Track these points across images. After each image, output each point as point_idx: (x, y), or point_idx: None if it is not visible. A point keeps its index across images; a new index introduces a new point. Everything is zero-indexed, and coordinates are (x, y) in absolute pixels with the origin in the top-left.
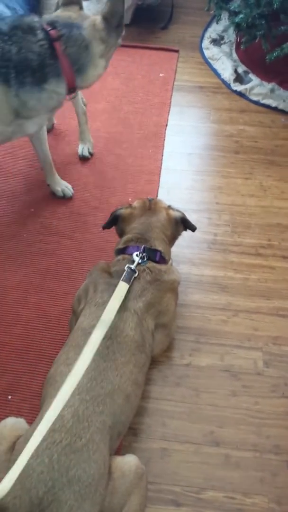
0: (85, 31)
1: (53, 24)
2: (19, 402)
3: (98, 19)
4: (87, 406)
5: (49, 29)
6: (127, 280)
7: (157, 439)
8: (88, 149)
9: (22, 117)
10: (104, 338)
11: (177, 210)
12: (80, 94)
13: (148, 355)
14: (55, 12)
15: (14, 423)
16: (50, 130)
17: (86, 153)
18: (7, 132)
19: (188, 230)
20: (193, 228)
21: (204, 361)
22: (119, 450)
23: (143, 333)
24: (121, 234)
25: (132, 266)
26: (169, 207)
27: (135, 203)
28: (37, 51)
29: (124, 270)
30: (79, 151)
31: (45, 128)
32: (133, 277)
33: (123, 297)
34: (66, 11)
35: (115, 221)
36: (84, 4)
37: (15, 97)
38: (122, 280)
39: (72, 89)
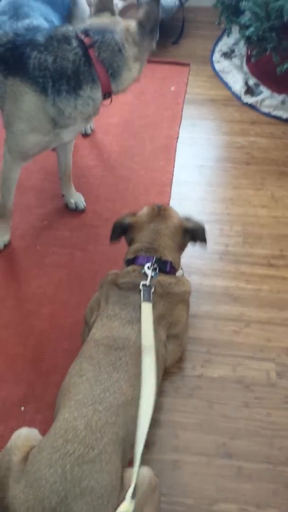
0: (118, 35)
1: (86, 31)
2: (32, 413)
3: (132, 24)
4: (100, 417)
5: (82, 37)
6: (148, 299)
7: (169, 451)
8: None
9: (60, 127)
10: (116, 349)
11: (195, 221)
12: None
13: (161, 366)
14: (88, 20)
15: (27, 434)
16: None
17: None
18: (44, 142)
19: (198, 243)
20: (203, 240)
21: (216, 372)
22: (132, 461)
23: (156, 344)
24: (130, 242)
25: (147, 282)
26: (186, 217)
27: (143, 210)
28: (72, 59)
29: (135, 283)
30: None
31: (73, 140)
32: (151, 293)
33: (151, 316)
34: (99, 18)
35: (124, 231)
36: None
37: (53, 106)
38: (143, 300)
39: (108, 94)
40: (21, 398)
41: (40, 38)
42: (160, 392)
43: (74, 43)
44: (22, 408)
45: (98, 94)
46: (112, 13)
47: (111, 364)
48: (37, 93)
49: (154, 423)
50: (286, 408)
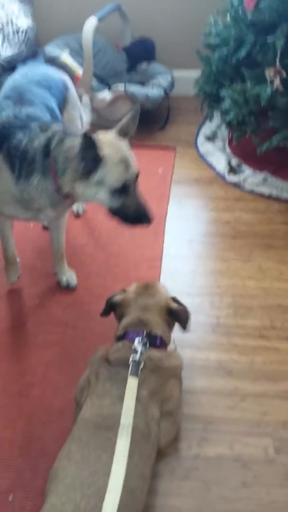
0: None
1: (61, 132)
2: (21, 500)
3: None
4: (88, 501)
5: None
6: (135, 374)
7: None
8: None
9: (28, 208)
10: (106, 429)
11: (180, 303)
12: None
13: (154, 446)
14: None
15: None
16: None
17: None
18: (21, 216)
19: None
20: (184, 325)
21: (213, 451)
22: None
23: (148, 422)
24: (120, 318)
25: (137, 357)
26: (173, 298)
27: (132, 287)
28: (36, 147)
29: (125, 358)
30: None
31: (64, 219)
32: (140, 369)
33: (135, 392)
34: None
35: (113, 308)
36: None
37: (16, 185)
38: (130, 374)
39: (60, 189)
40: (9, 485)
41: (33, 125)
42: (154, 475)
43: (45, 135)
44: (10, 497)
45: (48, 185)
46: (125, 136)
47: (100, 445)
48: (8, 171)
49: (149, 509)
50: (286, 486)
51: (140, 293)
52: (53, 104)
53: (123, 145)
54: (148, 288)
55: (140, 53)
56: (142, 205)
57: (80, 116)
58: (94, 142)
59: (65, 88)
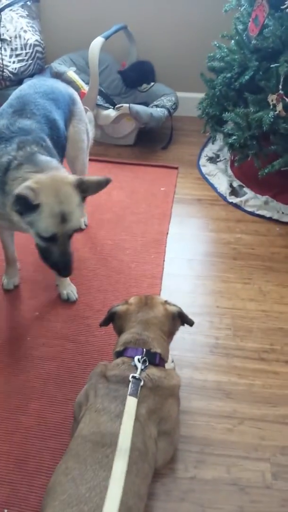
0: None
1: (27, 155)
2: None
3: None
4: None
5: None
6: (134, 393)
7: None
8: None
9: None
10: (104, 446)
11: (174, 305)
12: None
13: (151, 465)
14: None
15: None
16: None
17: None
18: (4, 224)
19: (185, 325)
20: (190, 323)
21: (209, 474)
22: None
23: (146, 440)
24: (119, 331)
25: (137, 375)
26: (166, 302)
27: (132, 299)
28: (1, 163)
29: (125, 375)
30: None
31: None
32: (139, 388)
33: (134, 413)
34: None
35: (112, 319)
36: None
37: None
38: (130, 394)
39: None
40: (4, 500)
41: (16, 140)
42: (150, 495)
43: (14, 154)
44: (5, 511)
45: (3, 199)
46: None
47: (97, 462)
48: None
49: None
50: None
51: (141, 307)
52: (57, 116)
53: (71, 197)
54: (148, 300)
55: (135, 77)
56: (66, 257)
57: (87, 130)
58: (26, 198)
59: (72, 101)
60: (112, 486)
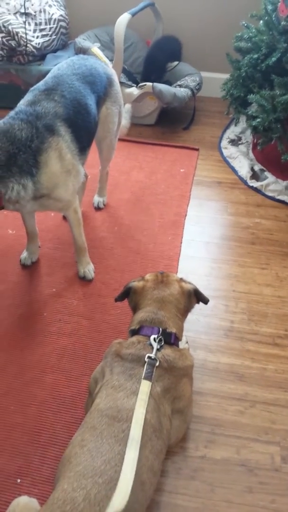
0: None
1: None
2: (29, 486)
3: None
4: (99, 489)
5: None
6: (148, 377)
7: None
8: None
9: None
10: (120, 421)
11: (189, 283)
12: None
13: (165, 442)
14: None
15: (27, 503)
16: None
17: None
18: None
19: (200, 303)
20: (205, 301)
21: (219, 454)
22: None
23: (160, 417)
24: (134, 307)
25: (153, 355)
26: (181, 279)
27: (148, 276)
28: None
29: (140, 354)
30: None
31: (74, 215)
32: (154, 370)
33: (147, 398)
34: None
35: (128, 294)
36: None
37: None
38: (144, 378)
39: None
40: (17, 470)
41: (18, 121)
42: (162, 473)
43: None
44: (18, 480)
45: None
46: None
47: (113, 436)
48: None
49: (155, 505)
50: None
51: (157, 284)
52: (89, 101)
53: None
54: (164, 278)
55: (163, 60)
56: None
57: (120, 113)
58: None
59: (109, 83)
60: (122, 476)
